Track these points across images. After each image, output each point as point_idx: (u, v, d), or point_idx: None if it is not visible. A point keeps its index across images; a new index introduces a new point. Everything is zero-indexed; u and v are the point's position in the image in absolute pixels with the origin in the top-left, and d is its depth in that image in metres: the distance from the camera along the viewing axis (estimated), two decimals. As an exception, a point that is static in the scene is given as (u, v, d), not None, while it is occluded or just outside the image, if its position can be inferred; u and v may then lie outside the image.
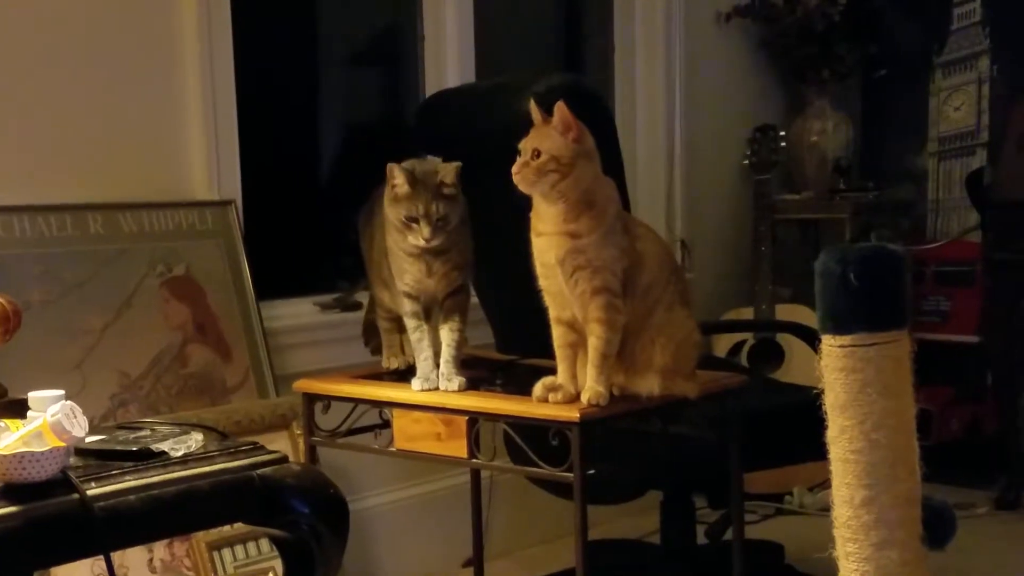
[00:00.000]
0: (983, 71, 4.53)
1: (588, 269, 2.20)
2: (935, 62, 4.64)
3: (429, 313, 2.49)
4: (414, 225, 2.37)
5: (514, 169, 2.19)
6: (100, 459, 1.81)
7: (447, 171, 2.41)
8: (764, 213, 4.28)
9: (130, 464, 1.79)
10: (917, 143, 4.70)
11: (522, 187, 2.19)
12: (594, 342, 2.22)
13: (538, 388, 2.28)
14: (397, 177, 2.39)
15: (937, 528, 1.65)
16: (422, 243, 2.38)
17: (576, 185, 2.18)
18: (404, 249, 2.43)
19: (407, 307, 2.48)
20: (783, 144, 4.33)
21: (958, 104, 4.60)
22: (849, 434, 1.60)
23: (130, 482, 1.73)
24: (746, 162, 4.37)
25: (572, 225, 2.20)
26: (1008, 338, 4.04)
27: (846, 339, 1.59)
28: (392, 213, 2.41)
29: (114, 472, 1.75)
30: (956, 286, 4.42)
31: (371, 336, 2.75)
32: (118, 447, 1.86)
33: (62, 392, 1.80)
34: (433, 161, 2.43)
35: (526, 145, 2.20)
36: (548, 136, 2.19)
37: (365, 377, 2.60)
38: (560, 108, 2.18)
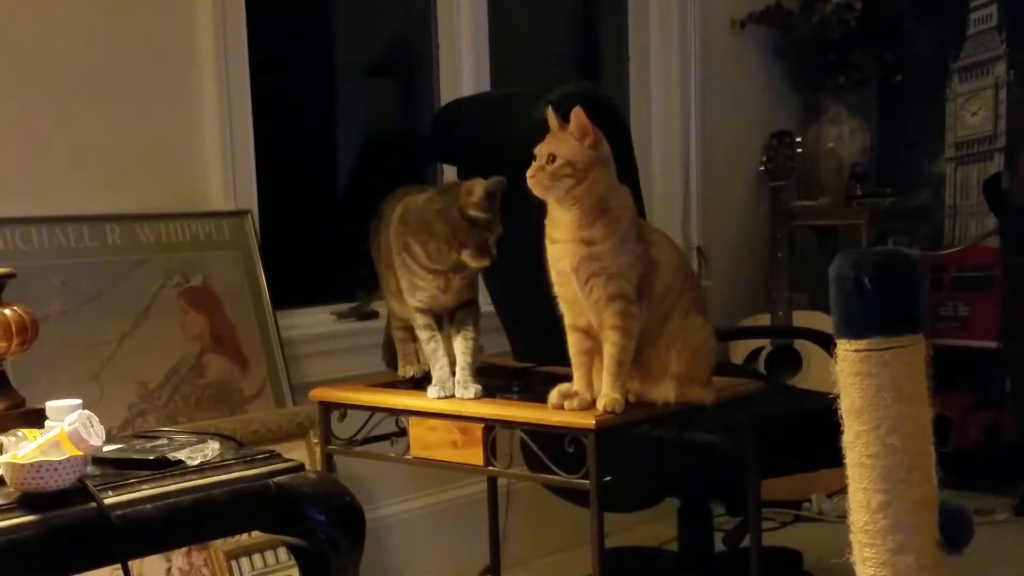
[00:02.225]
0: (1000, 76, 4.51)
1: (603, 276, 2.20)
2: (952, 67, 4.62)
3: (441, 322, 2.49)
4: (483, 246, 2.34)
5: (529, 173, 2.18)
6: (117, 468, 1.83)
7: (498, 191, 2.36)
8: (781, 220, 4.27)
9: (147, 473, 1.80)
10: (934, 148, 4.68)
11: (536, 191, 2.19)
12: (609, 349, 2.21)
13: (554, 395, 2.28)
14: (477, 195, 2.33)
15: (954, 532, 1.64)
16: (487, 263, 2.37)
17: (591, 190, 2.18)
18: (425, 267, 2.42)
19: (420, 320, 2.47)
20: (799, 151, 4.33)
21: (975, 109, 4.58)
22: (865, 439, 1.59)
23: (147, 491, 1.74)
24: (762, 169, 4.37)
25: (587, 232, 2.19)
26: (1027, 343, 4.03)
27: (861, 343, 1.59)
28: (462, 232, 2.34)
29: (131, 481, 1.76)
30: (975, 291, 4.40)
31: (388, 350, 2.75)
32: (135, 456, 1.87)
33: (79, 401, 1.81)
34: (492, 182, 2.37)
35: (541, 150, 2.19)
36: (564, 141, 2.19)
37: (381, 385, 2.61)
38: (577, 114, 2.18)
